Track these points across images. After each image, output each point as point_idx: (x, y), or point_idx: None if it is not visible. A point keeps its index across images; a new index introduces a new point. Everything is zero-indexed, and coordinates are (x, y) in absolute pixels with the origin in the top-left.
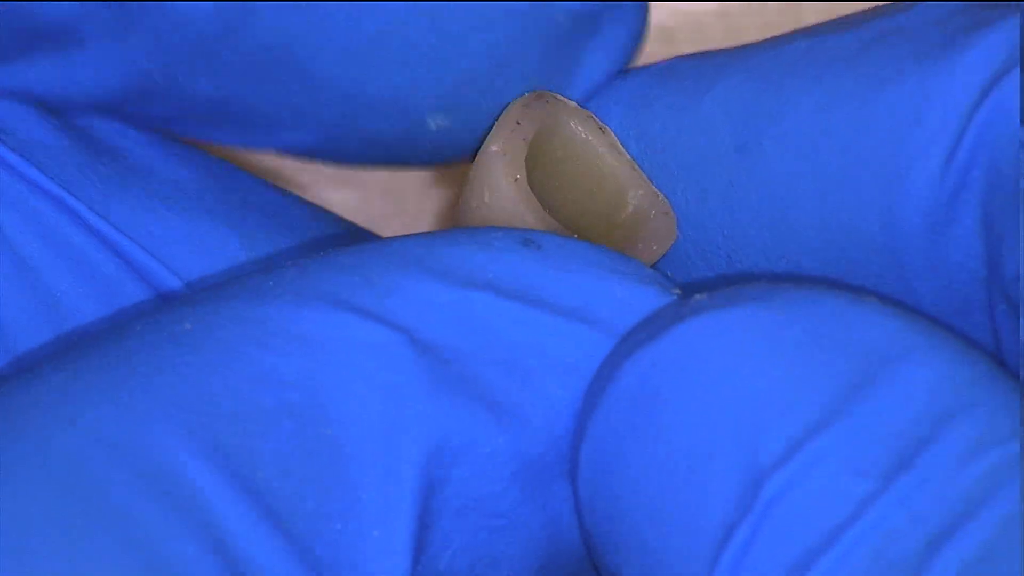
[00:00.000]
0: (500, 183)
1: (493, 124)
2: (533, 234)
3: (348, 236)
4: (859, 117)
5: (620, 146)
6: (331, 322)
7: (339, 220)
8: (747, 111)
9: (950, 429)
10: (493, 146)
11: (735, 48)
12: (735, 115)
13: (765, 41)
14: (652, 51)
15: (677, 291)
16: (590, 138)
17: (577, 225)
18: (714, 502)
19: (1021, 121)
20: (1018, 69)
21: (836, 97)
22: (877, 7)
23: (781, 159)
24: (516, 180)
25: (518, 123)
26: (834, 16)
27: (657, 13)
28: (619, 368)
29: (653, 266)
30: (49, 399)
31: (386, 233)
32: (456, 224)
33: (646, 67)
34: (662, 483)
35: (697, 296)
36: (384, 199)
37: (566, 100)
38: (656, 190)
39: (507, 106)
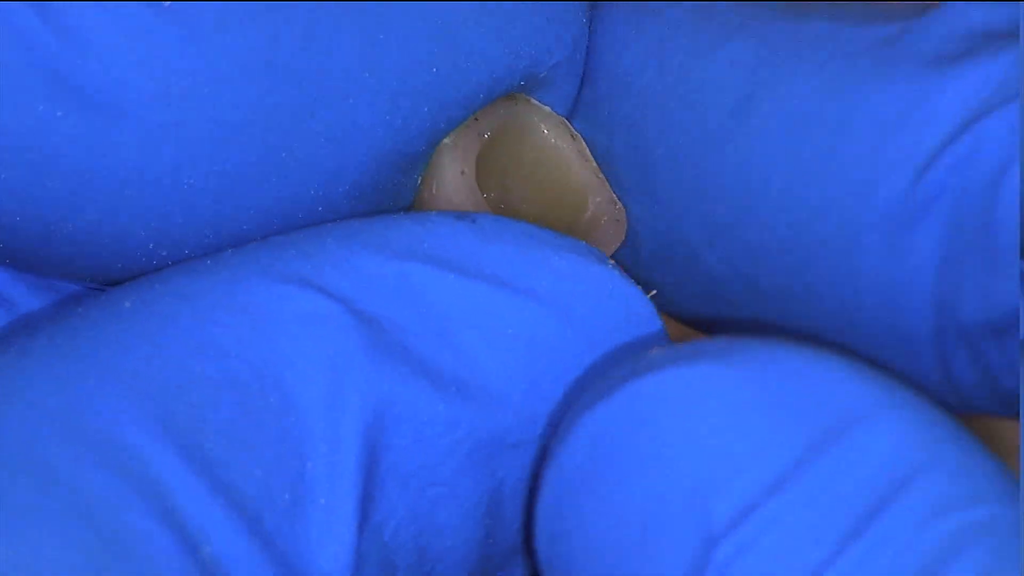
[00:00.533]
0: (446, 174)
1: None
2: (469, 213)
3: None
4: (846, 113)
5: (588, 153)
6: (270, 293)
7: None
8: (751, 77)
9: (908, 493)
10: (446, 139)
11: (760, 5)
12: (738, 77)
13: (789, 8)
14: None
15: (613, 263)
16: (559, 143)
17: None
18: (667, 566)
19: None
20: (1002, 109)
21: (831, 88)
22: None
23: (763, 133)
24: (463, 173)
25: (476, 119)
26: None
27: None
28: (576, 422)
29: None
30: None
31: None
32: None
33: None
34: (617, 543)
35: (655, 350)
36: None
37: (539, 104)
38: (614, 197)
39: None
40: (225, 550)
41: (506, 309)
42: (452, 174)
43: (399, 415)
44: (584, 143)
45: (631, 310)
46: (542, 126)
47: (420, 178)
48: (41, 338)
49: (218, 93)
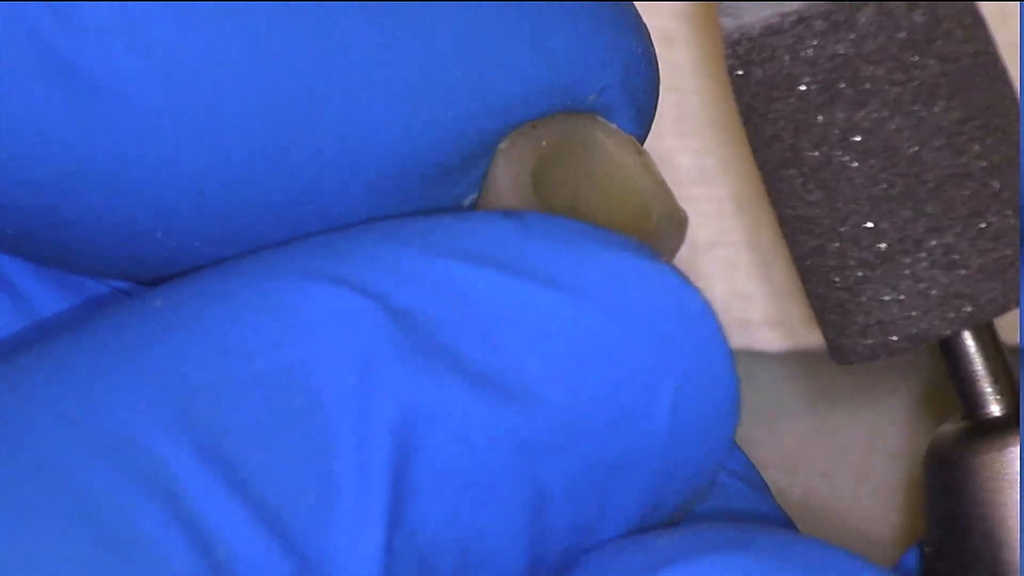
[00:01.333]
0: (499, 178)
1: None
2: (518, 211)
3: None
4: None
5: (654, 166)
6: (302, 291)
7: None
8: None
9: None
10: (501, 143)
11: None
12: None
13: None
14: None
15: (666, 260)
16: (624, 158)
17: None
18: None
19: None
20: None
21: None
22: None
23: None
24: (517, 175)
25: (533, 126)
26: None
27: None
28: None
29: None
30: (13, 379)
31: None
32: None
33: None
34: None
35: (663, 536)
36: None
37: (603, 120)
38: (678, 204)
39: None
40: (242, 551)
41: (550, 307)
42: (505, 177)
43: (433, 414)
44: (650, 157)
45: (684, 308)
46: (606, 141)
47: (471, 198)
48: (65, 337)
49: (221, 80)
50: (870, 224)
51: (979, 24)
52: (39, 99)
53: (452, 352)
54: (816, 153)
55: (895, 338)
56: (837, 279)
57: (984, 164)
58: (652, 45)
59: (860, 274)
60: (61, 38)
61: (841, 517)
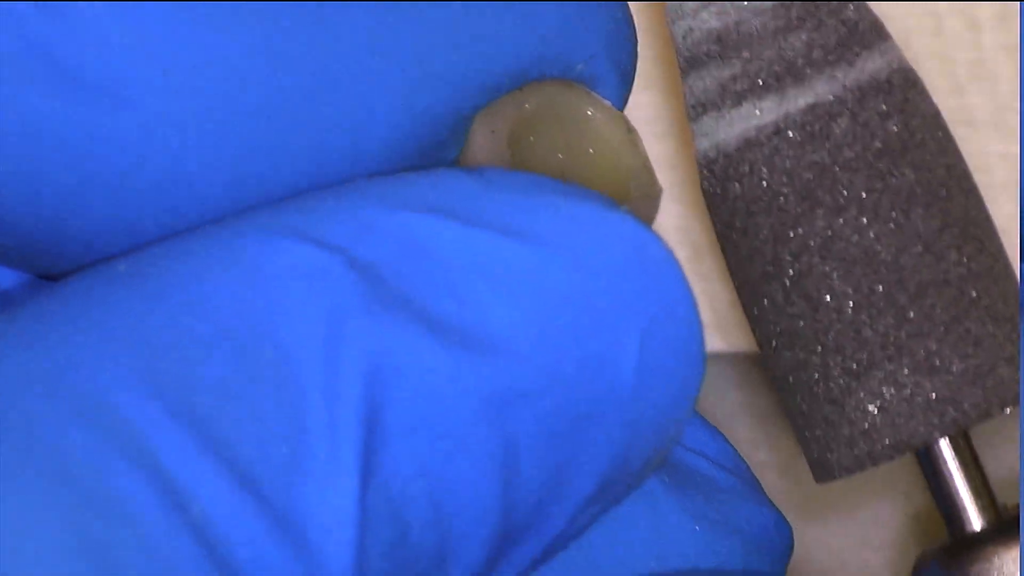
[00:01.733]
0: (475, 133)
1: None
2: (478, 167)
3: None
4: None
5: (642, 147)
6: (266, 247)
7: None
8: None
9: None
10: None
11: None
12: None
13: None
14: (654, 54)
15: (625, 209)
16: (610, 132)
17: None
18: None
19: None
20: None
21: None
22: None
23: None
24: (492, 132)
25: (520, 90)
26: None
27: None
28: None
29: None
30: None
31: None
32: None
33: None
34: None
35: None
36: None
37: (593, 94)
38: (656, 181)
39: None
40: (216, 508)
41: (512, 256)
42: (480, 133)
43: (399, 366)
44: (638, 136)
45: (646, 255)
46: (596, 115)
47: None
48: (32, 303)
49: (220, 79)
50: (853, 332)
51: (949, 138)
52: (40, 108)
53: (417, 304)
54: (797, 264)
55: (880, 446)
56: (821, 391)
57: (963, 271)
58: (629, 10)
59: (844, 383)
60: (61, 45)
61: (840, 519)
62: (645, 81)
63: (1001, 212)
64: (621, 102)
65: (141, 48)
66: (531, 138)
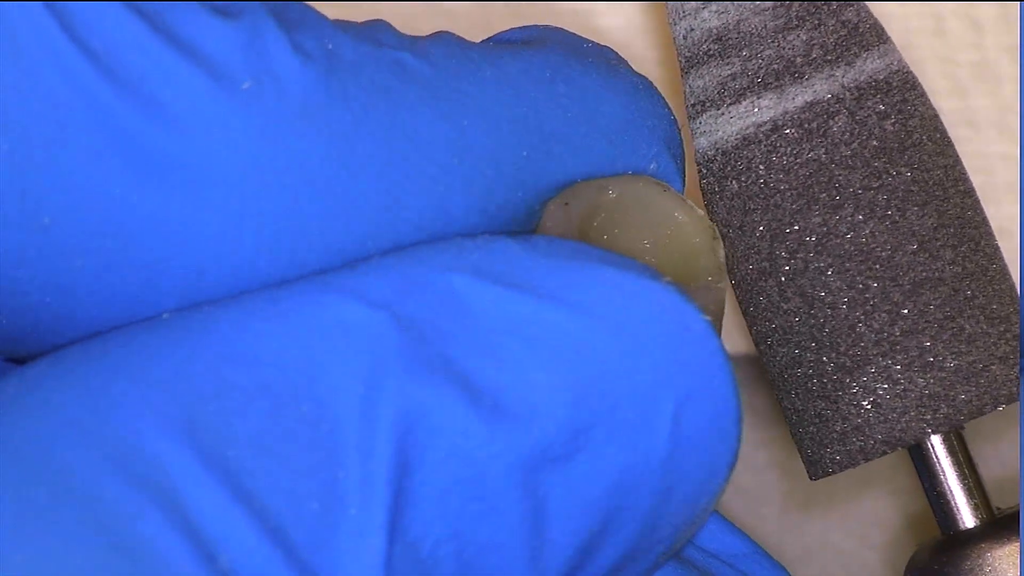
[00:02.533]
0: (550, 204)
1: None
2: (525, 233)
3: None
4: None
5: (720, 248)
6: (310, 301)
7: None
8: None
9: None
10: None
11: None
12: None
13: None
14: (655, 55)
15: (668, 280)
16: (690, 224)
17: None
18: None
19: None
20: None
21: None
22: None
23: None
24: (566, 206)
25: (605, 177)
26: None
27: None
28: None
29: None
30: (23, 387)
31: None
32: None
33: None
34: None
35: None
36: None
37: (683, 197)
38: (726, 278)
39: None
40: (245, 559)
41: (552, 321)
42: (556, 205)
43: (435, 427)
44: (720, 243)
45: (686, 327)
46: (681, 216)
47: None
48: (74, 349)
49: (298, 182)
50: (847, 328)
51: (947, 140)
52: (120, 197)
53: (456, 364)
54: (793, 260)
55: (873, 442)
56: (815, 387)
57: (958, 270)
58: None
59: (837, 379)
60: (144, 133)
61: (842, 519)
62: None
63: (1002, 213)
64: (683, 189)
65: (221, 142)
66: (614, 223)
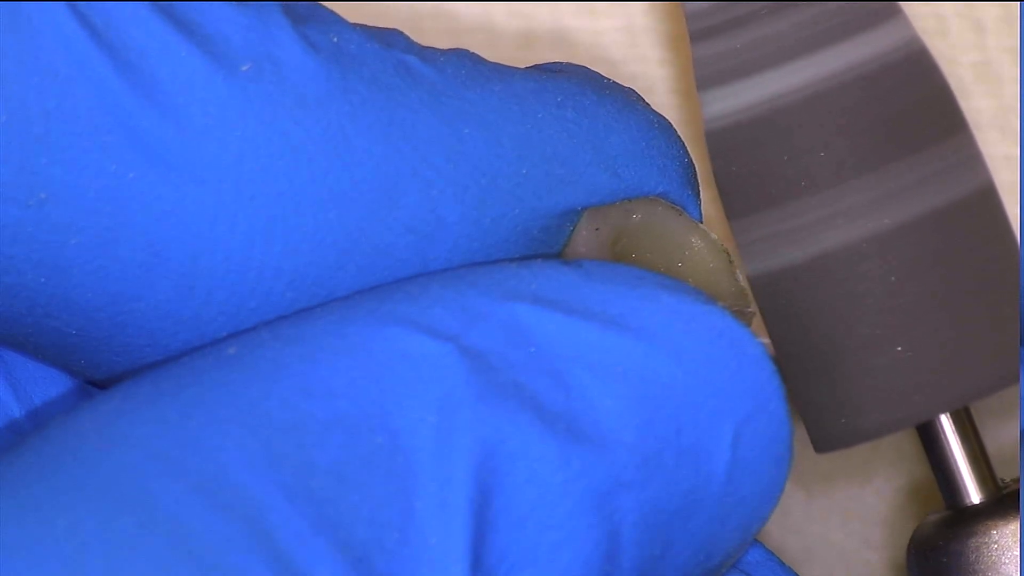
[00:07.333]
0: (580, 228)
1: None
2: (575, 260)
3: None
4: None
5: (739, 275)
6: (377, 335)
7: None
8: None
9: None
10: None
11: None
12: None
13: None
14: (655, 55)
15: (722, 305)
16: (708, 254)
17: None
18: None
19: None
20: None
21: None
22: None
23: None
24: (597, 230)
25: (629, 201)
26: None
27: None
28: None
29: None
30: (103, 421)
31: None
32: None
33: None
34: None
35: None
36: None
37: (701, 225)
38: (751, 302)
39: None
40: None
41: (615, 347)
42: (587, 229)
43: (510, 454)
44: (736, 267)
45: (742, 351)
46: (697, 242)
47: None
48: (145, 384)
49: (293, 169)
50: (856, 304)
51: (960, 117)
52: (117, 177)
53: (526, 392)
54: (799, 234)
55: (878, 421)
56: (819, 364)
57: (968, 246)
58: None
59: (842, 357)
60: (143, 116)
61: (843, 519)
62: (647, 84)
63: None
64: (700, 215)
65: (218, 127)
66: (635, 247)
